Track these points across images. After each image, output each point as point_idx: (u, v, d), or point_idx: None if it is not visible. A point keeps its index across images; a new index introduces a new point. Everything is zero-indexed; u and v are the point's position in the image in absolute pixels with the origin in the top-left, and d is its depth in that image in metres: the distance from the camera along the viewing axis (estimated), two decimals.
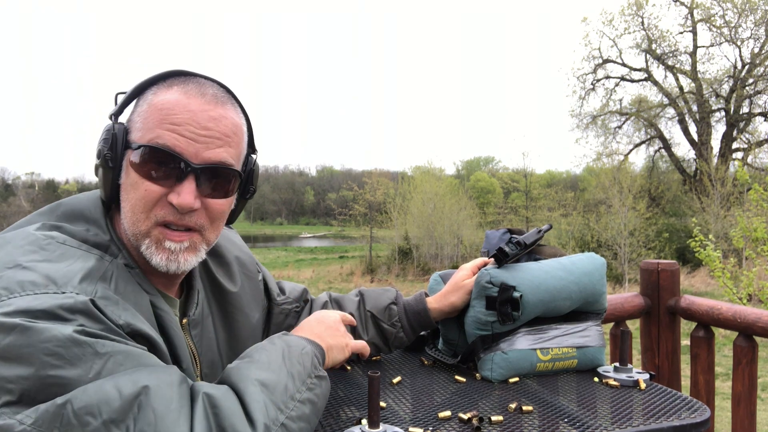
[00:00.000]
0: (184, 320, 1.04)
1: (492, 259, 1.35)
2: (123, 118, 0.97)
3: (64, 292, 0.76)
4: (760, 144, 24.09)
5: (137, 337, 0.81)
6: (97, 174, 0.96)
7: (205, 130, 0.91)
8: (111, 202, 0.96)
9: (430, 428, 1.00)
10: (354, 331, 1.35)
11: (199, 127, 0.90)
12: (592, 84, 27.37)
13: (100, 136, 0.93)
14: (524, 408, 1.08)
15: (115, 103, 0.97)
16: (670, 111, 26.50)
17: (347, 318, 1.24)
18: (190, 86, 0.93)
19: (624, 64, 27.09)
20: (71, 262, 0.83)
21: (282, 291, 1.36)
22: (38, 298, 0.74)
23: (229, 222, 1.08)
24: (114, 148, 0.92)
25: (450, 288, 1.37)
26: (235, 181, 0.98)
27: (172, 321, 0.94)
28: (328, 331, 1.10)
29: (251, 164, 1.04)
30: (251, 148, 1.05)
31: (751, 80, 24.37)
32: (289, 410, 0.82)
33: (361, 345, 1.18)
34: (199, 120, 0.90)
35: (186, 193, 0.90)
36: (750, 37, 24.49)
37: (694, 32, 25.49)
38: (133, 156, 0.91)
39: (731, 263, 7.98)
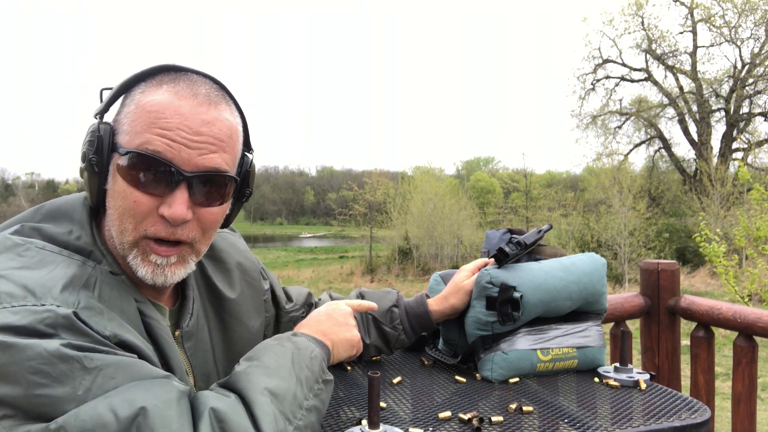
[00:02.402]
0: (177, 332, 0.98)
1: (492, 260, 1.34)
2: (109, 117, 0.90)
3: (43, 305, 0.72)
4: (760, 144, 24.05)
5: (125, 348, 0.77)
6: (82, 176, 0.89)
7: (198, 135, 0.84)
8: (98, 207, 0.90)
9: (430, 429, 1.00)
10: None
11: (191, 132, 0.84)
12: (592, 84, 27.34)
13: (85, 137, 0.87)
14: (524, 408, 1.08)
15: (101, 100, 0.90)
16: (670, 111, 26.48)
17: (363, 306, 1.21)
18: (181, 85, 0.86)
19: (624, 64, 27.06)
20: (51, 269, 0.78)
21: (289, 298, 1.33)
22: (17, 312, 0.70)
23: (225, 226, 1.02)
24: (100, 152, 0.85)
25: (450, 290, 1.37)
26: (229, 187, 0.91)
27: (163, 329, 0.89)
28: (336, 327, 1.07)
29: (247, 165, 0.98)
30: (247, 147, 0.99)
31: (751, 80, 24.32)
32: (297, 420, 0.81)
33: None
34: (191, 124, 0.84)
35: (178, 204, 0.84)
36: (750, 37, 24.46)
37: (694, 32, 25.47)
38: (121, 161, 0.84)
39: (734, 261, 7.96)
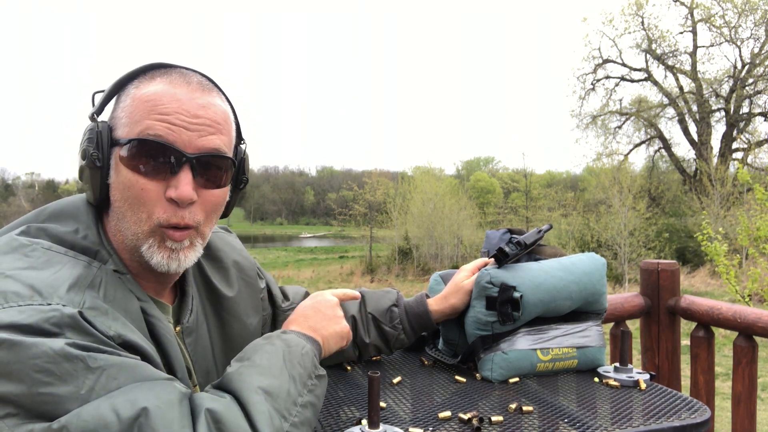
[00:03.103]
0: (178, 328, 0.99)
1: (492, 260, 1.34)
2: (104, 118, 0.92)
3: (50, 304, 0.72)
4: (760, 144, 24.04)
5: (129, 348, 0.78)
6: (81, 177, 0.91)
7: (196, 118, 0.88)
8: (101, 203, 0.92)
9: (430, 428, 1.00)
10: (355, 332, 1.35)
11: (189, 115, 0.87)
12: (592, 84, 27.32)
13: (83, 137, 0.89)
14: (524, 408, 1.08)
15: (92, 103, 0.93)
16: (670, 111, 26.46)
17: (347, 295, 1.21)
18: (173, 76, 0.90)
19: (624, 64, 27.04)
20: (57, 269, 0.79)
21: (286, 297, 1.33)
22: (23, 311, 0.70)
23: (225, 214, 1.04)
24: (100, 147, 0.87)
25: (450, 290, 1.37)
26: (228, 170, 0.94)
27: (165, 328, 0.89)
28: (324, 322, 1.06)
29: (241, 153, 1.02)
30: (239, 138, 1.02)
31: (751, 80, 24.31)
32: (293, 417, 0.81)
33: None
34: (189, 108, 0.87)
35: (183, 185, 0.86)
36: (750, 37, 24.46)
37: (694, 32, 25.46)
38: (122, 151, 0.86)
39: (736, 261, 7.96)
